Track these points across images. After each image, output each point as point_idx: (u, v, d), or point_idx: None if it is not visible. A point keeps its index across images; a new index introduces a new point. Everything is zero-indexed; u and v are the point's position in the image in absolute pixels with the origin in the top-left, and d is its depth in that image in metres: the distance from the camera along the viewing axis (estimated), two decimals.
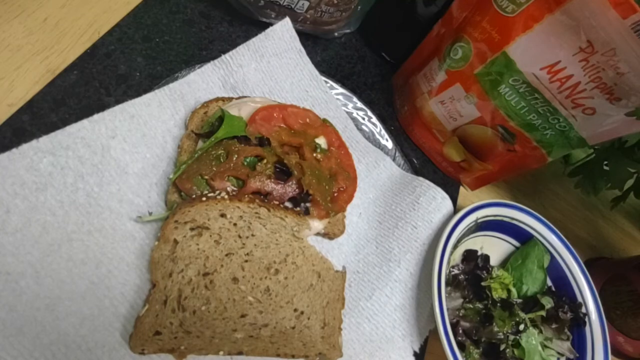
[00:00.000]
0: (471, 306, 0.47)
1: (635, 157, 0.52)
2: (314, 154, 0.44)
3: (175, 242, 0.37)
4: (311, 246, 0.43)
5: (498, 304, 0.47)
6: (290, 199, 0.42)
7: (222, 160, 0.40)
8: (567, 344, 0.48)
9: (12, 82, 0.41)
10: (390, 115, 0.61)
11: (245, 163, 0.41)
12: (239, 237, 0.39)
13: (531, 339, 0.46)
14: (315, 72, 0.52)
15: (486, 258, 0.51)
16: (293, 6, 0.51)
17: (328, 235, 0.45)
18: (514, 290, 0.50)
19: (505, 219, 0.51)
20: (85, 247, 0.36)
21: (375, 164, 0.52)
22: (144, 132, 0.41)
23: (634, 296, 0.54)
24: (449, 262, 0.45)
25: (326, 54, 0.60)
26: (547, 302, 0.48)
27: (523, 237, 0.52)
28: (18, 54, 0.42)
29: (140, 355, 0.34)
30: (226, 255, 0.38)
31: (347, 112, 0.54)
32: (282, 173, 0.42)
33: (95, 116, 0.38)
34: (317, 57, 0.59)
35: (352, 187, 0.46)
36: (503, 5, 0.42)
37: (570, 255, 0.51)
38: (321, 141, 0.46)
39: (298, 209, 0.42)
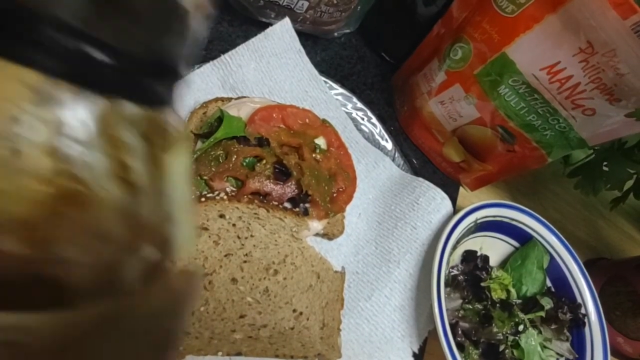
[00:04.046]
0: (470, 307, 0.47)
1: (635, 158, 0.52)
2: (313, 155, 0.44)
3: None
4: (310, 247, 0.43)
5: (497, 305, 0.47)
6: (290, 200, 0.42)
7: (221, 160, 0.40)
8: (567, 345, 0.48)
9: None
10: (389, 115, 0.61)
11: (245, 163, 0.41)
12: (238, 237, 0.39)
13: (530, 339, 0.46)
14: (315, 72, 0.52)
15: (485, 259, 0.51)
16: (292, 6, 0.51)
17: (327, 235, 0.45)
18: (513, 291, 0.50)
19: (504, 219, 0.51)
20: None
21: (374, 164, 0.52)
22: None
23: (633, 297, 0.54)
24: (448, 263, 0.45)
25: (326, 54, 0.60)
26: (547, 303, 0.48)
27: (522, 237, 0.52)
28: None
29: None
30: (225, 255, 0.38)
31: (346, 113, 0.54)
32: (281, 173, 0.42)
33: None
34: (316, 57, 0.59)
35: (351, 187, 0.46)
36: (503, 6, 0.42)
37: (569, 256, 0.51)
38: (320, 142, 0.46)
39: (297, 209, 0.41)
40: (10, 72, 0.07)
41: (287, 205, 0.42)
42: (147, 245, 0.11)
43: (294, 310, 0.39)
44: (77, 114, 0.08)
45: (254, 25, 0.55)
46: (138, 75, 0.09)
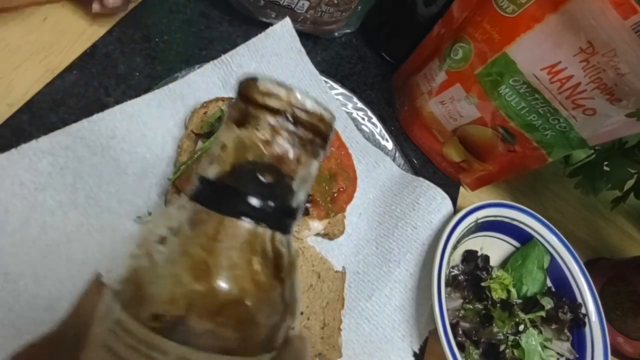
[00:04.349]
0: (471, 307, 0.47)
1: (635, 157, 0.52)
2: None
3: None
4: (311, 247, 0.43)
5: (498, 305, 0.47)
6: None
7: None
8: (567, 345, 0.48)
9: (11, 81, 0.41)
10: (390, 115, 0.61)
11: None
12: None
13: (531, 339, 0.46)
14: (315, 72, 0.52)
15: (486, 258, 0.51)
16: (293, 6, 0.51)
17: (328, 235, 0.45)
18: (513, 291, 0.50)
19: (505, 219, 0.51)
20: (85, 247, 0.35)
21: (375, 164, 0.52)
22: (143, 133, 0.40)
23: (634, 297, 0.54)
24: (448, 263, 0.45)
25: (326, 54, 0.60)
26: (547, 303, 0.48)
27: (523, 237, 0.52)
28: (17, 53, 0.42)
29: None
30: None
31: (347, 112, 0.54)
32: None
33: (95, 116, 0.38)
34: (317, 57, 0.59)
35: (352, 187, 0.46)
36: (503, 6, 0.42)
37: (570, 255, 0.51)
38: None
39: None
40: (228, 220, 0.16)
41: None
42: (288, 316, 0.18)
43: None
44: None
45: (254, 25, 0.55)
46: (282, 217, 0.17)
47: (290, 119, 0.17)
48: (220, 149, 0.17)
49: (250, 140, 0.16)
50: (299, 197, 0.18)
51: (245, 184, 0.16)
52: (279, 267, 0.17)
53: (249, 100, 0.17)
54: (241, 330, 0.16)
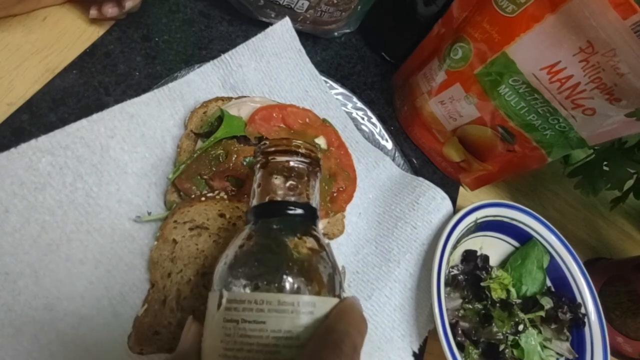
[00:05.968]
0: (470, 306, 0.47)
1: (634, 157, 0.52)
2: None
3: (175, 242, 0.37)
4: None
5: (497, 305, 0.47)
6: None
7: (221, 160, 0.40)
8: (567, 345, 0.48)
9: (11, 81, 0.41)
10: (390, 115, 0.61)
11: (245, 163, 0.41)
12: None
13: (530, 339, 0.46)
14: (315, 71, 0.52)
15: (485, 258, 0.51)
16: (293, 6, 0.51)
17: (327, 235, 0.45)
18: (513, 291, 0.50)
19: (504, 219, 0.51)
20: (84, 247, 0.36)
21: (374, 164, 0.52)
22: (143, 132, 0.40)
23: (633, 297, 0.54)
24: (448, 263, 0.45)
25: (326, 53, 0.60)
26: (547, 303, 0.48)
27: (523, 237, 0.52)
28: (17, 53, 0.42)
29: (138, 355, 0.34)
30: None
31: (346, 112, 0.54)
32: None
33: (95, 116, 0.38)
34: (316, 57, 0.59)
35: (351, 187, 0.46)
36: (503, 6, 0.42)
37: (569, 255, 0.51)
38: (321, 141, 0.46)
39: None
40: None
41: None
42: (337, 271, 0.27)
43: None
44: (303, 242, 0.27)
45: (254, 25, 0.55)
46: (310, 212, 0.29)
47: (293, 150, 0.29)
48: (257, 186, 0.29)
49: (275, 178, 0.29)
50: (316, 200, 0.29)
51: (284, 198, 0.28)
52: (319, 242, 0.27)
53: (268, 152, 0.29)
54: (311, 276, 0.24)
